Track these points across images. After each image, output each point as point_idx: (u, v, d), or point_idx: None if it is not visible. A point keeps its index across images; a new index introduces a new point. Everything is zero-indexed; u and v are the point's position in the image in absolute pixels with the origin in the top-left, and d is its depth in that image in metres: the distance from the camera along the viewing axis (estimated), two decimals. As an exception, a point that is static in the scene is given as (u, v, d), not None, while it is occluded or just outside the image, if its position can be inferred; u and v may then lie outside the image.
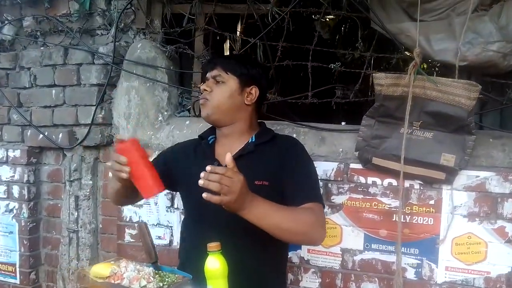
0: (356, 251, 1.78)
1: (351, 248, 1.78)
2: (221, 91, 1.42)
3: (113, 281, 1.14)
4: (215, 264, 1.16)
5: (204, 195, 1.10)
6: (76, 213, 2.24)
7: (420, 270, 1.70)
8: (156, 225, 2.09)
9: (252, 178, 1.35)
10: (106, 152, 2.23)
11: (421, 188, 1.69)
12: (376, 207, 1.74)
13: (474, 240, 1.64)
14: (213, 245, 1.17)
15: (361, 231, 1.76)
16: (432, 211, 1.68)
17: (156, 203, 2.09)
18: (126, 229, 2.15)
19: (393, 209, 1.72)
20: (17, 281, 2.41)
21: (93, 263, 2.17)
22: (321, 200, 1.39)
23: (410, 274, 1.71)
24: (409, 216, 1.70)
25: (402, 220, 1.68)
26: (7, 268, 2.43)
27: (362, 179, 1.76)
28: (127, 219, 2.15)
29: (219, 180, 1.09)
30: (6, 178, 2.38)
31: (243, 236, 1.30)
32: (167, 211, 2.07)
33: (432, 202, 1.68)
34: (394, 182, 1.72)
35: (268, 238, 1.24)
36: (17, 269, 2.40)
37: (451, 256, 1.66)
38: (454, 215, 1.65)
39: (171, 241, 2.07)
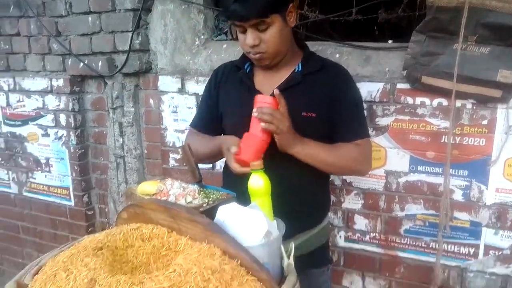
0: (401, 173, 1.74)
1: (396, 170, 1.74)
2: (273, 37, 1.27)
3: (159, 198, 1.17)
4: (258, 182, 1.17)
5: (263, 124, 1.22)
6: (121, 140, 2.30)
7: (468, 191, 1.65)
8: (199, 149, 2.12)
9: (299, 109, 1.34)
10: (146, 79, 2.22)
11: (474, 107, 1.59)
12: (423, 128, 1.67)
13: (528, 161, 1.57)
14: (256, 163, 1.17)
15: (407, 153, 1.71)
16: (485, 131, 1.59)
17: (197, 129, 2.10)
18: (170, 154, 2.20)
19: (442, 130, 1.64)
20: (72, 204, 2.58)
21: (141, 186, 2.26)
22: (368, 134, 1.44)
23: (458, 196, 1.67)
24: (459, 137, 1.63)
25: (451, 142, 1.61)
26: (62, 192, 2.59)
27: (409, 100, 1.67)
28: (171, 144, 2.19)
29: (271, 113, 1.21)
30: (53, 107, 2.45)
31: (286, 156, 1.29)
32: (208, 136, 2.09)
33: (485, 122, 1.59)
34: (444, 102, 1.63)
35: None
36: (71, 193, 2.55)
37: (502, 178, 1.60)
38: (508, 135, 1.56)
39: (214, 165, 2.10)
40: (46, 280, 0.93)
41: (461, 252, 1.70)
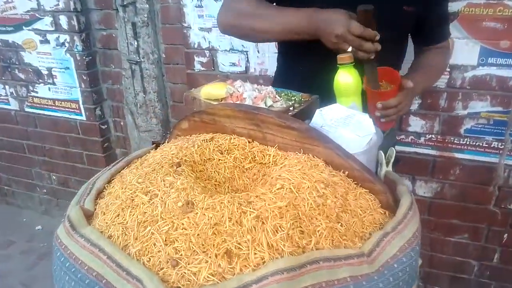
0: (468, 67, 1.55)
1: (462, 64, 1.55)
2: None
3: (232, 102, 0.97)
4: (347, 78, 0.97)
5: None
6: (135, 43, 2.03)
7: (544, 84, 1.49)
8: (229, 50, 1.88)
9: (400, 2, 1.09)
10: (160, -33, 1.90)
11: None
12: (500, 13, 1.45)
13: None
14: (345, 57, 0.96)
15: (478, 43, 1.51)
16: None
17: (226, 26, 1.83)
18: (195, 57, 1.95)
19: (523, 14, 1.43)
20: (84, 118, 2.37)
21: (161, 95, 2.04)
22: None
23: (529, 90, 1.51)
24: (542, 22, 1.42)
25: (532, 28, 1.41)
26: (71, 105, 2.36)
27: (487, -21, 1.43)
28: (195, 45, 1.93)
29: (396, 111, 1.05)
30: (50, 7, 2.12)
31: None
32: (239, 34, 1.83)
33: None
34: (529, -21, 1.39)
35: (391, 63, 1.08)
36: (81, 106, 2.33)
37: None
38: None
39: (247, 68, 1.88)
40: (122, 206, 0.76)
41: (526, 150, 1.59)
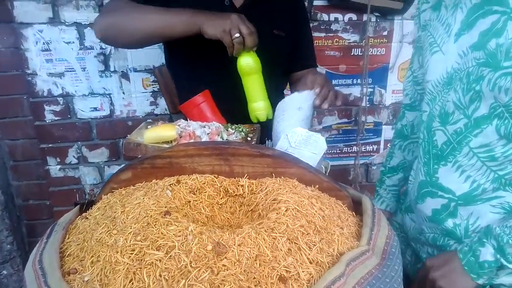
0: (319, 89, 1.85)
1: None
2: None
3: (187, 141, 0.95)
4: (249, 60, 1.05)
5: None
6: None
7: (372, 97, 1.90)
8: (88, 95, 1.74)
9: (270, 26, 1.20)
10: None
11: (377, 20, 1.79)
12: (337, 43, 1.79)
13: (416, 63, 1.88)
14: None
15: (323, 69, 1.82)
16: (385, 41, 1.82)
17: (84, 69, 1.70)
18: (45, 106, 1.73)
19: (352, 43, 1.80)
20: None
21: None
22: None
23: (364, 102, 1.90)
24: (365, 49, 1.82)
25: (359, 54, 1.79)
26: None
27: (325, 17, 1.75)
28: (44, 93, 1.71)
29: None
30: None
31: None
32: (100, 76, 1.72)
33: (385, 33, 1.81)
34: (353, 16, 1.76)
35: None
36: None
37: (397, 81, 1.89)
38: (403, 43, 1.83)
39: (111, 111, 1.77)
40: (131, 269, 0.68)
41: (367, 150, 1.98)
